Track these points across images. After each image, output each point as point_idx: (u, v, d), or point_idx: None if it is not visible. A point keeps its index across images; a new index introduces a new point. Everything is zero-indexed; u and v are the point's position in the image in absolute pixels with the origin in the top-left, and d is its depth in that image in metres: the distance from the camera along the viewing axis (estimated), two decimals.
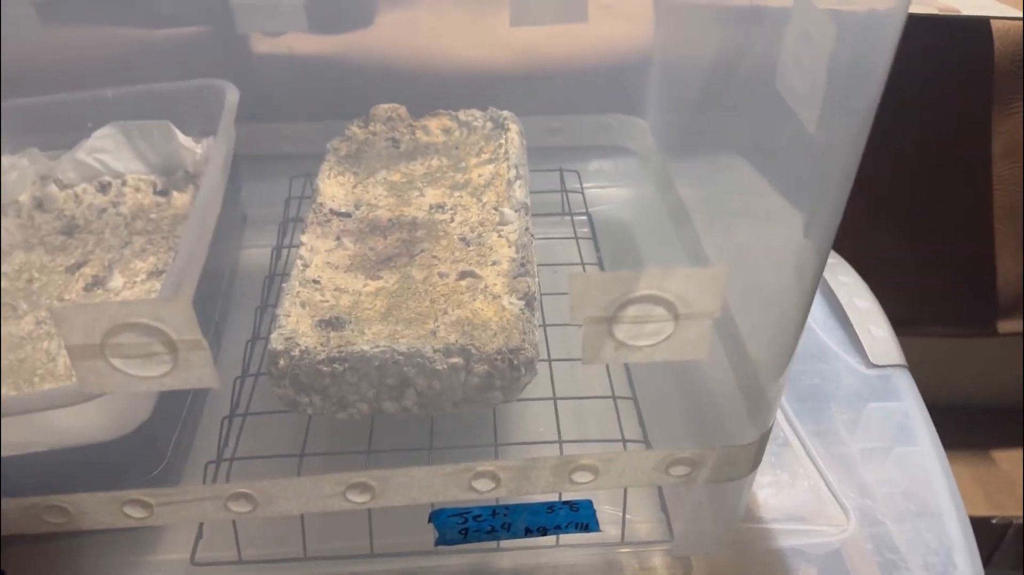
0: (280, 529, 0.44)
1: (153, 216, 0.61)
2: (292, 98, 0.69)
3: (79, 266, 0.56)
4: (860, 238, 0.84)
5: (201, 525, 0.45)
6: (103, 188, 0.63)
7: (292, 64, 0.69)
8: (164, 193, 0.62)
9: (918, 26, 0.75)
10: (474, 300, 0.46)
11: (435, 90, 0.69)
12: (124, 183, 0.63)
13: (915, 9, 0.74)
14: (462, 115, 0.62)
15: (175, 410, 0.46)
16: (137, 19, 0.65)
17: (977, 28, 0.75)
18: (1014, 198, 0.83)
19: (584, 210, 0.65)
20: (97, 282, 0.54)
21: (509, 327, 0.44)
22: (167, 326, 0.33)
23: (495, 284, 0.47)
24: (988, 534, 0.93)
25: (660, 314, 0.35)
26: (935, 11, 0.73)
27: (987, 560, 0.94)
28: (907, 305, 0.90)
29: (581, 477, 0.40)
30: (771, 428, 0.41)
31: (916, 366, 0.99)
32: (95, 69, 0.64)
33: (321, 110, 0.69)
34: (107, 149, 0.63)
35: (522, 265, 0.48)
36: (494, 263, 0.49)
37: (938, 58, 0.78)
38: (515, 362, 0.43)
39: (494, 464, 0.39)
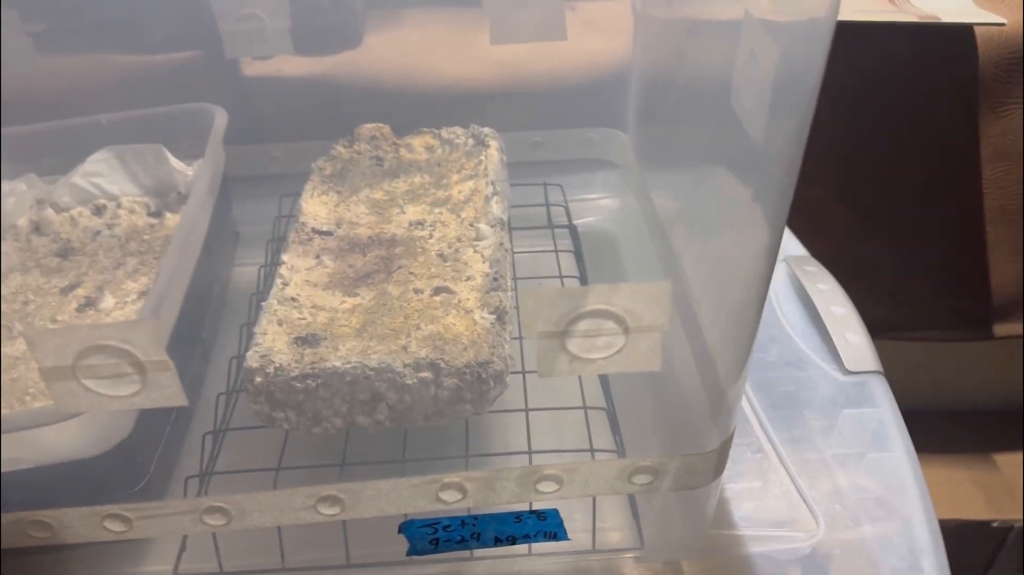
0: (261, 541, 0.45)
1: (146, 237, 0.62)
2: (283, 119, 0.71)
3: (72, 287, 0.58)
4: (849, 245, 0.85)
5: (185, 538, 0.46)
6: (98, 211, 0.64)
7: (283, 86, 0.70)
8: (157, 214, 0.64)
9: (900, 34, 0.76)
10: (447, 315, 0.47)
11: (424, 108, 0.70)
12: (119, 205, 0.65)
13: (896, 18, 0.75)
14: (444, 133, 0.64)
15: (157, 427, 0.47)
16: (130, 46, 0.67)
17: (960, 34, 0.76)
18: (1005, 201, 0.83)
19: (567, 223, 0.66)
20: (89, 303, 0.56)
21: (479, 341, 0.45)
22: (135, 348, 0.34)
23: (468, 299, 0.48)
24: (989, 538, 0.92)
25: (611, 328, 0.36)
26: (915, 19, 0.74)
27: (989, 564, 0.94)
28: (901, 310, 0.90)
29: (546, 487, 0.41)
30: (732, 435, 0.42)
31: (914, 370, 0.99)
32: (90, 96, 0.66)
33: (312, 130, 0.70)
34: (102, 173, 0.65)
35: (495, 279, 0.49)
36: (468, 278, 0.50)
37: (922, 65, 0.78)
38: (483, 375, 0.44)
39: (460, 475, 0.40)
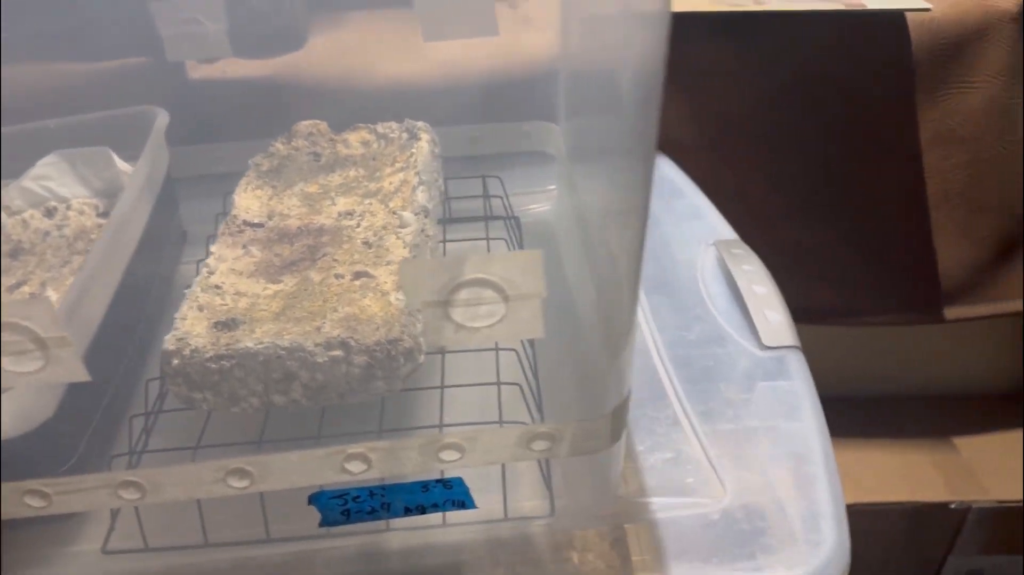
0: (188, 518, 0.47)
1: (93, 237, 0.64)
2: (230, 120, 0.73)
3: (19, 285, 0.60)
4: (791, 233, 0.86)
5: (114, 518, 0.48)
6: (49, 213, 0.66)
7: (228, 88, 0.73)
8: (105, 215, 0.66)
9: (830, 22, 0.77)
10: (364, 298, 0.49)
11: (365, 107, 0.72)
12: (69, 207, 0.67)
13: (822, 6, 0.77)
14: (380, 128, 0.66)
15: (85, 410, 0.49)
16: (78, 54, 0.69)
17: (890, 21, 0.78)
18: (946, 185, 0.85)
19: (505, 214, 0.68)
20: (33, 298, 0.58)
21: (392, 320, 0.47)
22: (34, 324, 0.36)
23: (386, 282, 0.50)
24: (947, 519, 0.94)
25: (491, 296, 0.37)
26: (842, 7, 0.75)
27: (950, 546, 0.95)
28: (852, 296, 0.92)
29: (448, 455, 0.43)
30: (627, 400, 0.43)
31: (870, 356, 1.01)
32: (39, 102, 0.68)
33: (258, 130, 0.72)
34: (52, 176, 0.67)
35: None
36: (388, 263, 0.52)
37: (855, 53, 0.80)
38: (393, 352, 0.46)
39: (364, 446, 0.42)
